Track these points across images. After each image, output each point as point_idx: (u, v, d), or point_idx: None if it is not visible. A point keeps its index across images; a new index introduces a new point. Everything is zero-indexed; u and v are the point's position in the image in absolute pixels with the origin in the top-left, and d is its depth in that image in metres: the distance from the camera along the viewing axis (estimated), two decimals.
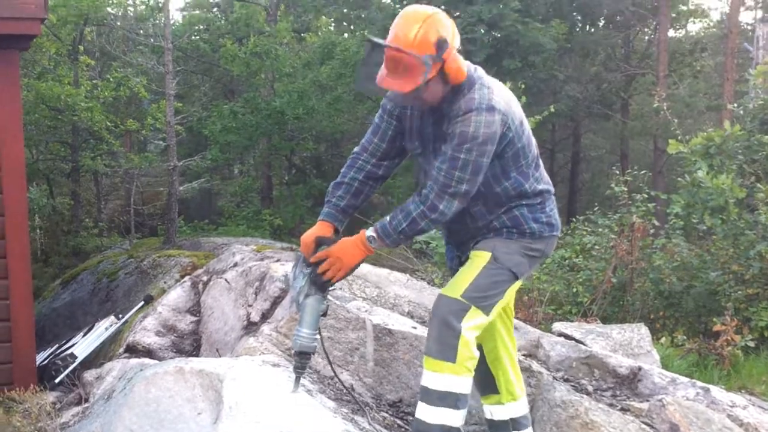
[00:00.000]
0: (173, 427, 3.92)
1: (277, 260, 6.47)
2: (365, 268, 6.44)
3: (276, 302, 5.88)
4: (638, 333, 6.15)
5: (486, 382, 3.93)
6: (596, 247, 9.87)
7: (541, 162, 3.75)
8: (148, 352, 6.25)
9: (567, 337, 5.63)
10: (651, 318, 8.56)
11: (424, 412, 3.52)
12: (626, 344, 5.94)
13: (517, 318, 6.06)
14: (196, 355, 6.12)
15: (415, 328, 5.10)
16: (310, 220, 16.18)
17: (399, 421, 4.59)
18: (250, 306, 6.05)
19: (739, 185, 8.67)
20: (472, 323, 3.50)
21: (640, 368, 4.87)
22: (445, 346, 3.46)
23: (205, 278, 7.01)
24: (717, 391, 4.67)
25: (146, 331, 6.48)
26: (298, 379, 3.67)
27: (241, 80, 19.59)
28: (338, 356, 4.94)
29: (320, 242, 3.64)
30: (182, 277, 7.71)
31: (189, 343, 6.41)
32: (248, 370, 4.14)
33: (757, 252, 8.21)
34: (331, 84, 18.09)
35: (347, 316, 5.01)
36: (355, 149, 3.85)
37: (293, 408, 3.76)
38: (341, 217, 3.77)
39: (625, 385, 4.83)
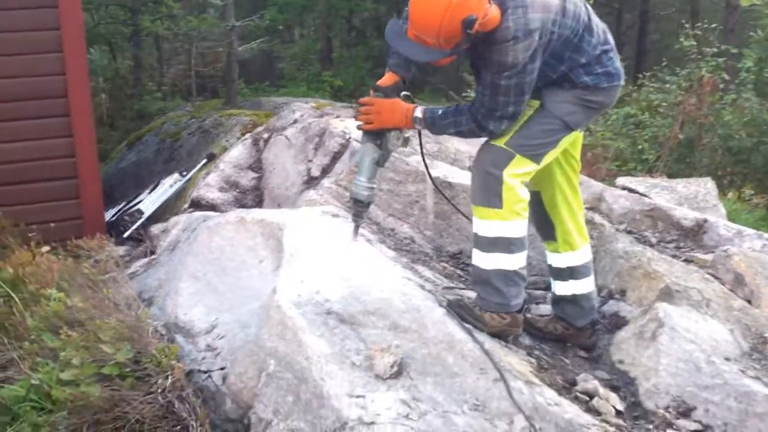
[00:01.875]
0: (236, 275, 4.00)
1: (337, 116, 6.43)
2: None
3: (336, 157, 5.88)
4: (704, 187, 6.01)
5: (545, 228, 3.88)
6: (663, 103, 9.58)
7: (593, 21, 3.50)
8: (212, 207, 6.34)
9: (630, 190, 5.53)
10: (718, 174, 8.38)
11: (479, 258, 3.52)
12: (692, 198, 5.82)
13: (580, 174, 5.98)
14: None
15: None
16: (370, 81, 15.98)
17: (459, 271, 4.61)
18: (310, 161, 6.06)
19: None
20: (516, 170, 3.42)
21: (705, 220, 4.77)
22: (489, 193, 3.41)
23: (265, 135, 7.02)
24: None
25: (209, 187, 6.56)
26: (356, 228, 3.67)
27: None
28: (398, 209, 4.95)
29: (375, 89, 3.56)
30: (243, 135, 7.72)
31: (251, 198, 6.48)
32: (308, 219, 4.17)
33: None
34: None
35: (406, 169, 4.98)
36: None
37: (352, 255, 3.79)
38: (404, 64, 3.66)
39: (689, 238, 4.75)
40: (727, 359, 3.55)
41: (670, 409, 3.32)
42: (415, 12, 3.15)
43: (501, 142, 3.44)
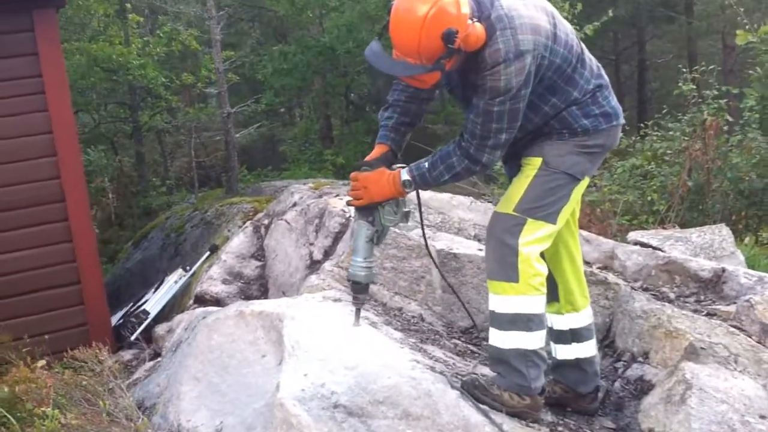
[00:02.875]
0: (238, 372, 3.82)
1: (336, 195, 6.31)
2: (426, 195, 6.23)
3: (338, 238, 5.74)
4: (719, 234, 5.81)
5: (547, 287, 3.70)
6: (668, 151, 9.43)
7: (586, 55, 3.40)
8: (217, 301, 6.19)
9: (643, 245, 5.34)
10: (732, 219, 8.17)
11: (497, 337, 3.33)
12: (707, 247, 5.62)
13: (590, 232, 5.80)
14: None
15: (480, 250, 4.88)
16: None
17: (471, 347, 4.41)
18: (311, 244, 5.92)
19: None
20: (531, 237, 3.27)
21: (723, 270, 4.57)
22: (505, 266, 3.26)
23: (266, 221, 6.90)
24: None
25: (213, 281, 6.42)
26: (358, 312, 3.51)
27: (290, 20, 19.24)
28: (404, 286, 4.78)
29: (362, 165, 3.44)
30: (245, 223, 7.61)
31: (256, 288, 6.33)
32: (308, 307, 4.00)
33: None
34: (379, 14, 17.62)
35: (409, 244, 4.82)
36: None
37: (356, 342, 3.61)
38: (393, 135, 3.52)
39: (709, 289, 4.54)
40: (763, 417, 3.33)
41: None
42: (394, 32, 3.03)
43: (508, 209, 3.30)
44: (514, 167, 3.53)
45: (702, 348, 3.69)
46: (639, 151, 10.10)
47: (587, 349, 3.66)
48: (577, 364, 3.66)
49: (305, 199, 6.65)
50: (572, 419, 3.61)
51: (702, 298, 4.46)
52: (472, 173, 3.33)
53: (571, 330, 3.65)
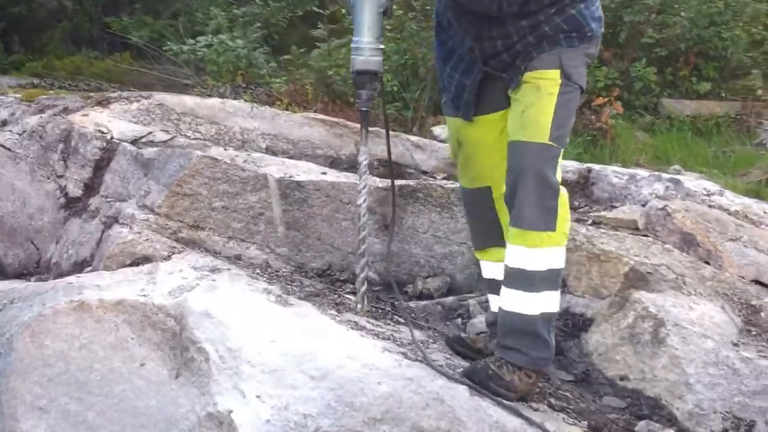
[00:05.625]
0: (109, 391, 2.73)
1: (81, 112, 4.92)
2: (190, 103, 5.17)
3: (100, 167, 4.51)
4: None
5: (491, 232, 3.06)
6: None
7: None
8: None
9: None
10: None
11: (523, 302, 2.67)
12: None
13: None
14: None
15: (325, 173, 4.06)
16: None
17: (321, 285, 3.64)
18: (61, 177, 4.63)
19: None
20: (560, 171, 2.71)
21: (589, 169, 4.24)
22: (546, 212, 2.62)
23: None
24: (685, 180, 4.17)
25: None
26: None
27: None
28: (239, 228, 3.83)
29: None
30: None
31: None
32: (216, 294, 2.94)
33: None
34: None
35: (243, 176, 3.84)
36: None
37: (304, 335, 2.70)
38: None
39: (578, 193, 4.19)
40: (736, 345, 3.07)
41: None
42: None
43: (543, 137, 2.61)
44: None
45: (648, 273, 3.30)
46: None
47: None
48: None
49: (21, 116, 5.17)
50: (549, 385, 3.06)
51: (576, 204, 4.09)
52: None
53: None
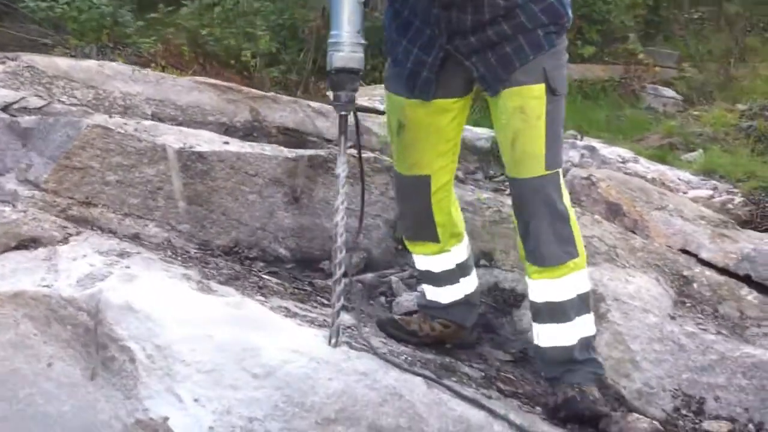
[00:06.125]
0: (11, 397, 2.39)
1: None
2: (64, 65, 4.71)
3: None
4: None
5: (425, 225, 2.87)
6: None
7: None
8: None
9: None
10: None
11: (561, 335, 2.54)
12: None
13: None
14: None
15: (227, 143, 3.76)
16: None
17: (239, 267, 3.38)
18: None
19: None
20: (565, 190, 2.58)
21: None
22: (565, 242, 2.52)
23: None
24: (601, 147, 4.10)
25: None
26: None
27: None
28: (136, 204, 3.48)
29: None
30: None
31: None
32: (138, 283, 2.60)
33: None
34: None
35: (139, 147, 3.48)
36: None
37: (238, 327, 2.42)
38: None
39: (491, 161, 4.05)
40: (673, 318, 3.02)
41: (682, 411, 2.69)
42: None
43: (539, 170, 2.49)
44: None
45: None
46: None
47: (473, 280, 2.99)
48: (466, 300, 2.96)
49: None
50: (465, 361, 2.91)
51: (491, 173, 3.95)
52: None
53: (458, 265, 2.93)
